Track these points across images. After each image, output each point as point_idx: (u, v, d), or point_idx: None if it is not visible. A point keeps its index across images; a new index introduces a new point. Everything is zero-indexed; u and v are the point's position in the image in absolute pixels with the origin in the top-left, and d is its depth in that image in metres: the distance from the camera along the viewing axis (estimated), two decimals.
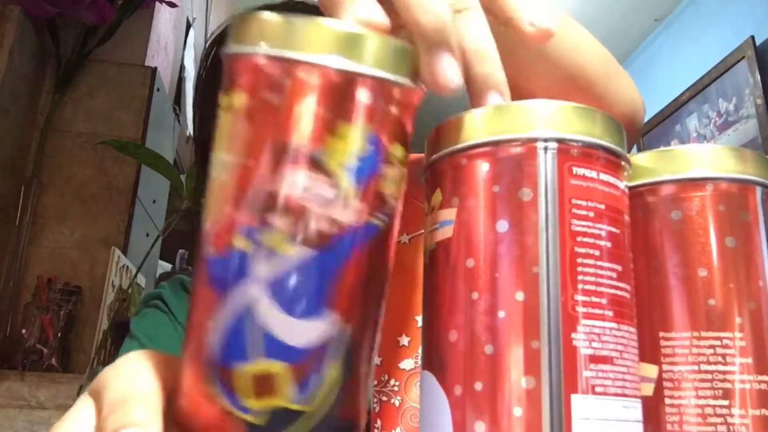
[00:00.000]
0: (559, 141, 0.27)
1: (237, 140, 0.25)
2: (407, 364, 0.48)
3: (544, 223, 0.26)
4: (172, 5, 1.88)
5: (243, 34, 0.25)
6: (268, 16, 0.25)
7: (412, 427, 0.47)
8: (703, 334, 0.29)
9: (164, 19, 2.07)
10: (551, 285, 0.25)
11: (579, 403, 0.24)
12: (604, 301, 0.26)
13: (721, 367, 0.29)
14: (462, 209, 0.27)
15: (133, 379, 0.27)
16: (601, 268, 0.26)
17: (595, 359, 0.25)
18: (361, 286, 0.25)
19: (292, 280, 0.24)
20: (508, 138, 0.27)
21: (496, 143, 0.27)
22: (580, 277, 0.25)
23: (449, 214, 0.28)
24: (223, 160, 0.26)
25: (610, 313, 0.26)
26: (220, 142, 0.26)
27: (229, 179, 0.25)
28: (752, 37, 2.35)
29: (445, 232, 0.28)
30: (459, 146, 0.28)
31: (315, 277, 0.24)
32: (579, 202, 0.26)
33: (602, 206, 0.27)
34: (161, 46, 2.04)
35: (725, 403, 0.28)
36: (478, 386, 0.25)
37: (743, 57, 2.37)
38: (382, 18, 0.26)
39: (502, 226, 0.26)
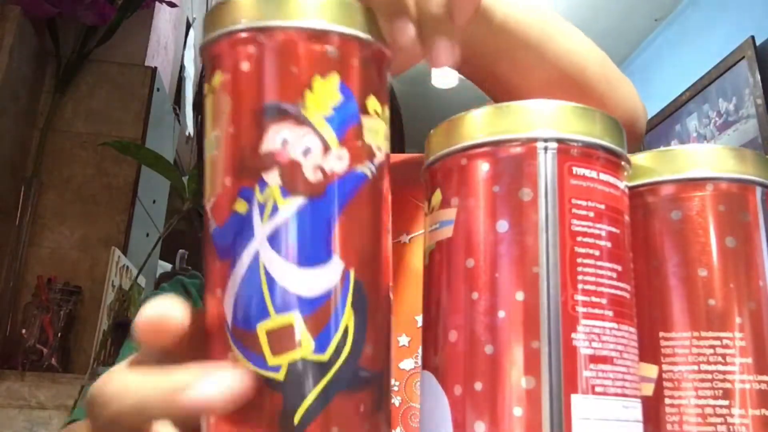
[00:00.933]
0: (559, 141, 0.27)
1: (220, 114, 0.27)
2: (407, 364, 0.48)
3: (544, 223, 0.26)
4: (172, 5, 1.88)
5: (210, 23, 0.28)
6: (226, 2, 0.27)
7: (412, 427, 0.47)
8: (703, 334, 0.29)
9: (164, 19, 2.07)
10: (551, 285, 0.25)
11: (579, 403, 0.24)
12: (604, 301, 0.26)
13: (721, 367, 0.29)
14: (462, 209, 0.27)
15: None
16: (601, 268, 0.26)
17: (595, 359, 0.25)
18: (357, 233, 0.26)
19: (292, 231, 0.25)
20: (508, 138, 0.27)
21: (496, 143, 0.27)
22: (580, 277, 0.26)
23: (449, 214, 0.28)
24: (211, 138, 0.27)
25: (610, 313, 0.26)
26: (207, 125, 0.28)
27: (219, 152, 0.27)
28: (752, 37, 2.34)
29: (445, 232, 0.28)
30: (459, 146, 0.28)
31: (313, 224, 0.25)
32: (579, 202, 0.26)
33: (602, 206, 0.27)
34: (161, 46, 2.04)
35: (725, 403, 0.28)
36: (478, 386, 0.25)
37: (743, 57, 2.37)
38: None
39: (502, 226, 0.26)
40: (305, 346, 0.25)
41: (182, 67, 2.37)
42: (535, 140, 0.27)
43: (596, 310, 0.25)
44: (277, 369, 0.25)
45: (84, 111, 1.73)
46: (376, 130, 0.27)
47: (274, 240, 0.25)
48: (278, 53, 0.26)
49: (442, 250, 0.28)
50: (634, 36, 3.09)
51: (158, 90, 1.85)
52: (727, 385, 0.28)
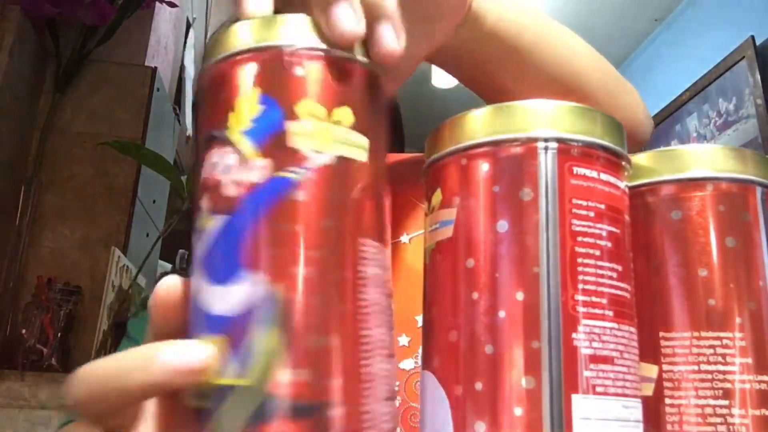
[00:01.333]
0: (560, 141, 0.27)
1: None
2: (407, 364, 0.48)
3: (545, 223, 0.26)
4: (172, 5, 1.88)
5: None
6: None
7: (412, 427, 0.47)
8: (703, 334, 0.29)
9: (164, 19, 2.07)
10: (551, 285, 0.25)
11: (579, 403, 0.24)
12: (604, 301, 0.26)
13: (721, 367, 0.29)
14: (462, 209, 0.27)
15: None
16: (601, 268, 0.26)
17: (595, 359, 0.25)
18: (284, 242, 0.24)
19: (212, 250, 0.25)
20: (508, 138, 0.27)
21: (496, 143, 0.27)
22: (580, 277, 0.26)
23: (449, 214, 0.28)
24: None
25: (611, 313, 0.26)
26: None
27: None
28: (752, 37, 2.34)
29: (445, 232, 0.28)
30: (459, 146, 0.28)
31: (227, 240, 0.25)
32: (579, 202, 0.26)
33: (602, 206, 0.27)
34: (161, 46, 2.04)
35: (725, 403, 0.28)
36: (479, 386, 0.25)
37: (743, 57, 2.37)
38: (266, 6, 0.28)
39: (503, 226, 0.26)
40: (223, 368, 0.24)
41: (182, 67, 2.37)
42: (536, 140, 0.27)
43: (596, 310, 0.25)
44: (201, 396, 0.24)
45: (84, 111, 1.73)
46: (310, 134, 0.26)
47: (202, 263, 0.26)
48: (208, 86, 0.28)
49: (442, 250, 0.28)
50: (634, 36, 3.09)
51: (158, 90, 1.85)
52: (727, 385, 0.28)
